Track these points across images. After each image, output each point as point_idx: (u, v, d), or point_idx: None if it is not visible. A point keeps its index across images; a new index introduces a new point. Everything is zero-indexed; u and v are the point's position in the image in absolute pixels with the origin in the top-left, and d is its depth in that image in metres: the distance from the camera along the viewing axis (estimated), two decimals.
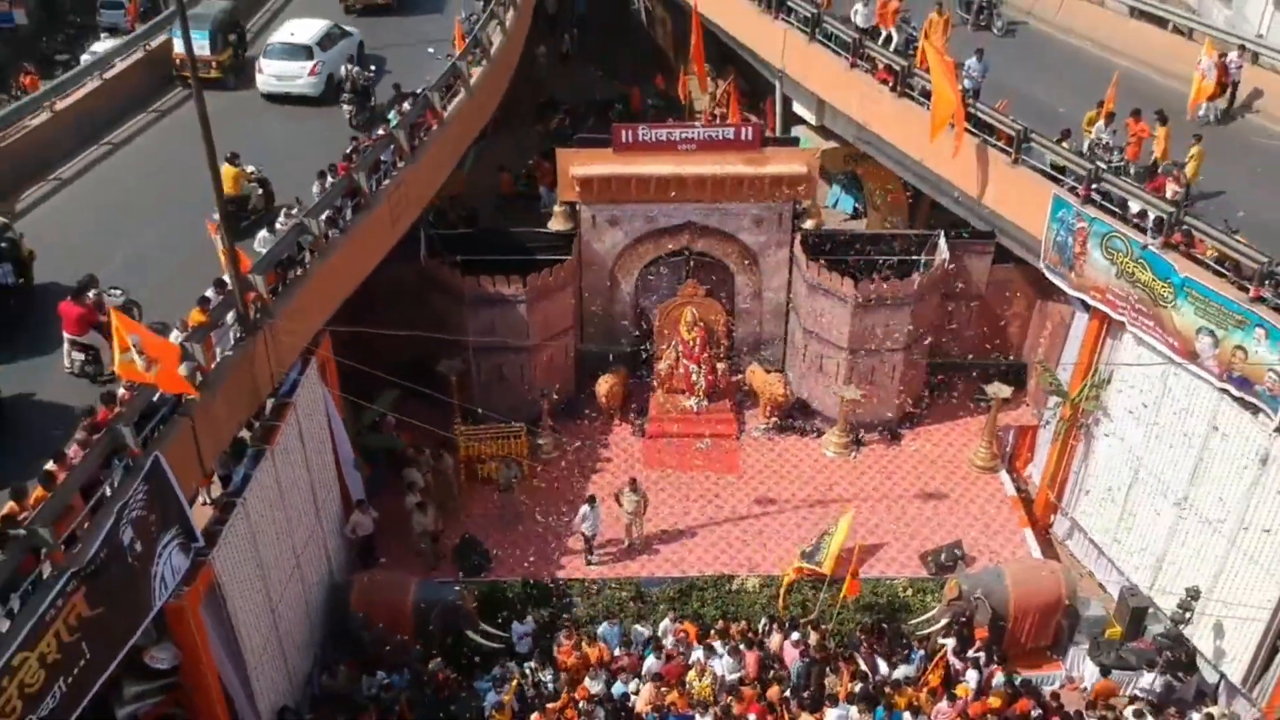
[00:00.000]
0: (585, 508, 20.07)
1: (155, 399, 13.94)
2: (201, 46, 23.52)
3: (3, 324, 16.27)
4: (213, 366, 14.91)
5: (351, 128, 22.64)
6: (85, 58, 33.75)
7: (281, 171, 20.50)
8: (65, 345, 15.41)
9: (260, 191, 19.72)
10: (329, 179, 18.43)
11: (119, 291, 16.17)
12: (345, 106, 23.28)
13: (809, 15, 25.33)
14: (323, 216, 17.64)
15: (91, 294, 15.46)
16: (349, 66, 24.46)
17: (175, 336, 14.65)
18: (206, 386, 14.62)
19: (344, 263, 18.24)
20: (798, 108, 28.59)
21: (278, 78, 24.56)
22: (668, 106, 36.35)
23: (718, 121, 34.84)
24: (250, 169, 19.71)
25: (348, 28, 26.34)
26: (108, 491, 12.90)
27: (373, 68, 25.10)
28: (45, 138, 21.62)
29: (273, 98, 24.54)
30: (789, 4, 26.21)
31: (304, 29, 24.98)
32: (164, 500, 13.86)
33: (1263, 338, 16.31)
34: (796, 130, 29.34)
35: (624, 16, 42.75)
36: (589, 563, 20.37)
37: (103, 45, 34.30)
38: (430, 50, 24.81)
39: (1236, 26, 32.89)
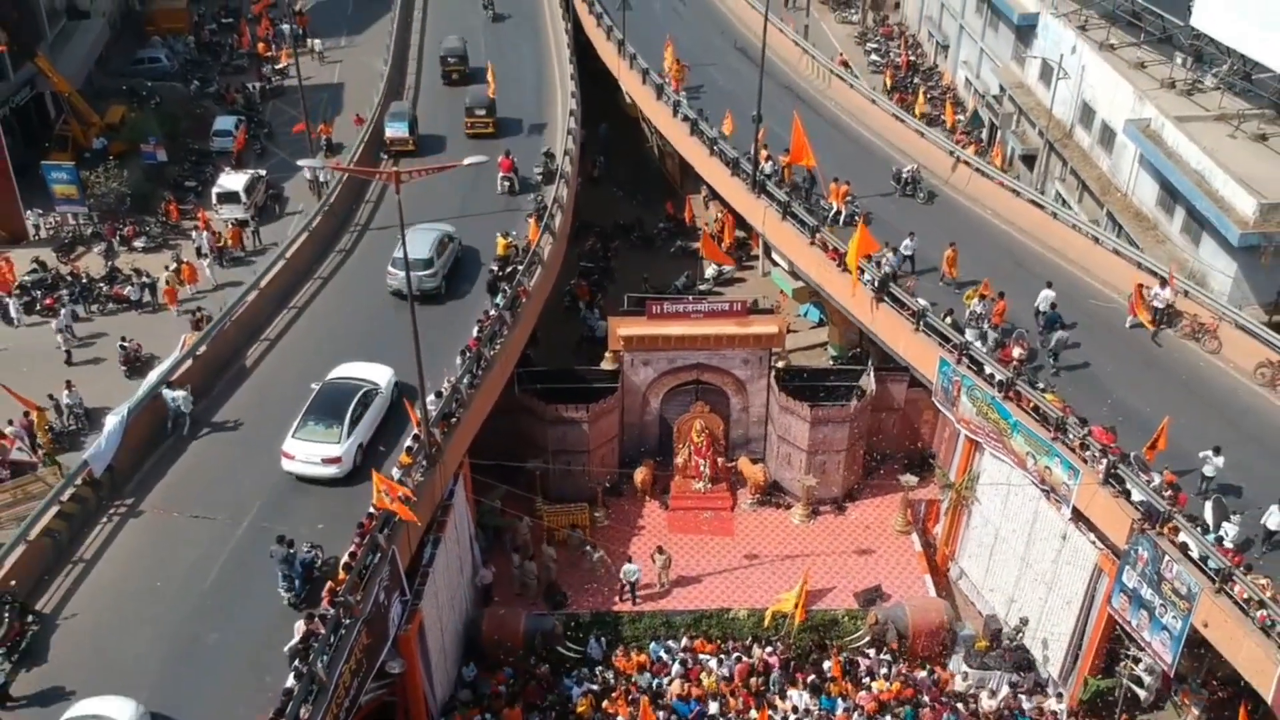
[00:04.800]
0: (629, 565, 29.41)
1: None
2: (402, 130, 40.96)
3: None
4: (415, 489, 24.60)
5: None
6: (216, 190, 43.39)
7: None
8: (499, 179, 37.39)
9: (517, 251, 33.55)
10: (467, 354, 27.96)
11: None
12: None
13: (782, 200, 34.76)
14: (465, 381, 27.36)
15: (509, 155, 37.04)
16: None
17: (395, 474, 24.38)
18: (412, 504, 24.32)
19: (477, 409, 27.86)
20: (775, 255, 38.03)
21: None
22: (676, 227, 45.32)
23: (717, 241, 44.55)
24: (510, 237, 33.42)
25: None
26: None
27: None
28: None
29: None
30: (768, 189, 35.62)
31: None
32: (394, 573, 23.64)
33: (1058, 464, 26.01)
34: (774, 270, 38.91)
35: (639, 144, 51.02)
36: (634, 601, 29.47)
37: (229, 178, 43.80)
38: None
39: (1115, 175, 42.47)
